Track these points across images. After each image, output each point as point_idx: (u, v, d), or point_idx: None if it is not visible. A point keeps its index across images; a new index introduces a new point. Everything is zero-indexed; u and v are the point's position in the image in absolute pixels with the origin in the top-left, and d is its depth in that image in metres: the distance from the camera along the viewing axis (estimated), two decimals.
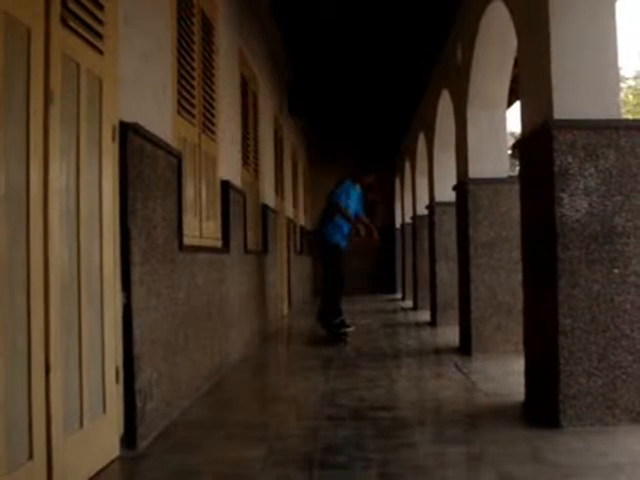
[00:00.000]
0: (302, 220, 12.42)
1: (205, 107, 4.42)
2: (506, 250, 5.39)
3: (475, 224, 5.45)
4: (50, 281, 2.18)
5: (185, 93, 3.91)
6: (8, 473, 1.91)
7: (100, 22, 2.62)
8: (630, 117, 19.42)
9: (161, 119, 3.46)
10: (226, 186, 4.96)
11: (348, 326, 6.59)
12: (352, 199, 6.69)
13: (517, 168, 3.94)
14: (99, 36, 2.61)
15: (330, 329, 6.58)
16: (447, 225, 7.46)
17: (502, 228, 5.41)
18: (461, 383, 4.36)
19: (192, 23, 4.11)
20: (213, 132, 4.63)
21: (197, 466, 2.69)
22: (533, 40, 3.54)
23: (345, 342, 6.37)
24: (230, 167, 5.26)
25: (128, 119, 2.89)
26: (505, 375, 4.50)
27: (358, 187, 6.83)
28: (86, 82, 2.50)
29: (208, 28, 4.57)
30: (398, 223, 13.56)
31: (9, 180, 1.95)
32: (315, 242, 7.59)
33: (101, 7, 2.63)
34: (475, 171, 5.50)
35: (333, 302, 6.63)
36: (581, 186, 3.17)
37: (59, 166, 2.27)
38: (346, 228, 6.68)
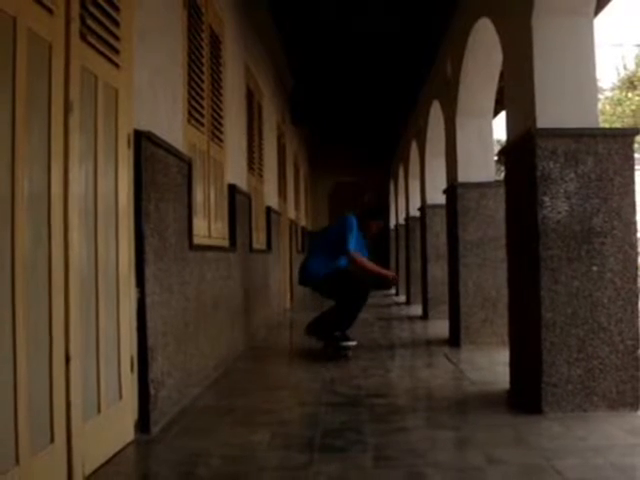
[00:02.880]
0: (303, 221, 12.41)
1: (213, 116, 4.42)
2: (492, 249, 5.39)
3: (463, 225, 5.45)
4: (70, 277, 2.18)
5: (195, 103, 3.90)
6: (31, 455, 1.91)
7: (116, 38, 2.62)
8: (607, 126, 19.42)
9: (172, 127, 3.46)
10: (233, 190, 4.95)
11: (350, 339, 5.17)
12: (359, 244, 5.28)
13: (502, 173, 3.94)
14: (115, 51, 2.61)
15: (330, 341, 5.17)
16: (437, 226, 7.45)
17: (488, 229, 5.41)
18: (451, 372, 4.36)
19: (201, 38, 4.11)
20: (221, 139, 4.63)
21: (206, 449, 2.69)
22: (517, 55, 3.54)
23: (347, 357, 4.98)
24: (236, 172, 5.25)
25: (142, 127, 2.89)
26: (491, 365, 4.50)
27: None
28: (103, 93, 2.50)
29: (216, 43, 4.56)
30: (392, 224, 13.56)
31: (32, 184, 1.95)
32: (304, 280, 5.44)
33: (117, 24, 2.63)
34: (464, 176, 5.50)
35: (347, 319, 5.14)
36: (562, 190, 3.17)
37: (78, 171, 2.26)
38: (342, 260, 5.28)
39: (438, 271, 7.41)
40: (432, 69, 7.07)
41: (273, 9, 6.37)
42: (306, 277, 5.37)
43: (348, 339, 5.14)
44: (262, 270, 6.49)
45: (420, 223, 8.20)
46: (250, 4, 5.97)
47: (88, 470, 2.30)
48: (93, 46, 2.40)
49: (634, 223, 3.17)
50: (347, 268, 5.29)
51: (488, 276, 5.39)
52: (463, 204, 5.45)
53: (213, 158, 4.40)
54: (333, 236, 5.25)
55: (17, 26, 1.87)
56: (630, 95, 21.71)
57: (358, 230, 5.22)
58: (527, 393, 3.32)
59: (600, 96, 21.11)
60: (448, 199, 5.90)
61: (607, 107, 21.64)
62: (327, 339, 5.17)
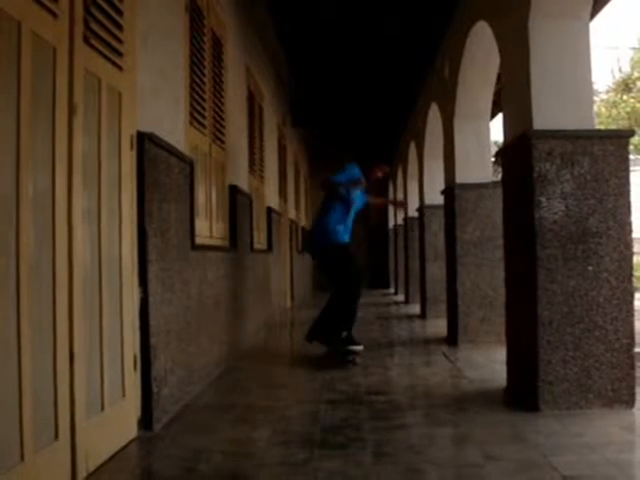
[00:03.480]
0: (303, 221, 12.41)
1: (215, 118, 4.42)
2: (489, 249, 5.40)
3: (461, 225, 5.45)
4: (74, 277, 2.19)
5: (197, 105, 3.91)
6: (35, 452, 1.91)
7: (120, 41, 2.62)
8: (603, 128, 19.42)
9: (175, 129, 3.46)
10: (234, 190, 4.96)
11: (357, 344, 4.70)
12: (357, 194, 5.00)
13: (500, 174, 3.94)
14: (119, 54, 2.61)
15: (334, 346, 4.74)
16: (435, 226, 7.46)
17: (486, 229, 5.42)
18: (449, 370, 4.36)
19: (203, 41, 4.11)
20: (222, 141, 4.63)
21: (207, 445, 2.69)
22: (514, 57, 3.54)
23: (354, 363, 4.60)
24: (238, 173, 5.26)
25: (145, 129, 2.89)
26: (489, 363, 4.50)
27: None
28: (106, 96, 2.51)
29: (218, 46, 4.56)
30: (391, 224, 13.56)
31: (36, 184, 1.95)
32: (310, 246, 5.22)
33: (120, 27, 2.63)
34: (461, 177, 5.50)
35: (348, 311, 4.76)
36: (558, 190, 3.17)
37: (82, 172, 2.27)
38: (349, 221, 4.98)
39: (436, 271, 7.42)
40: (430, 71, 7.07)
41: (273, 9, 6.37)
42: (309, 244, 5.28)
43: (354, 343, 4.69)
44: (263, 270, 6.50)
45: (418, 223, 8.21)
46: (250, 5, 5.97)
47: (92, 466, 2.31)
48: (97, 49, 2.41)
49: (629, 223, 3.18)
50: (347, 246, 4.93)
51: (486, 275, 5.40)
52: (461, 205, 5.45)
53: (215, 159, 4.41)
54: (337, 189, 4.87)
55: (22, 30, 1.87)
56: (625, 97, 21.71)
57: (362, 176, 4.88)
58: (524, 391, 3.32)
59: (596, 98, 21.14)
60: (446, 200, 5.91)
61: (603, 109, 21.64)
62: (330, 342, 4.77)
